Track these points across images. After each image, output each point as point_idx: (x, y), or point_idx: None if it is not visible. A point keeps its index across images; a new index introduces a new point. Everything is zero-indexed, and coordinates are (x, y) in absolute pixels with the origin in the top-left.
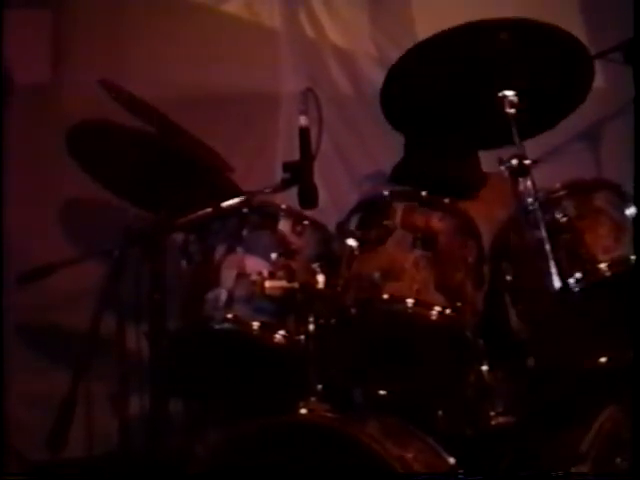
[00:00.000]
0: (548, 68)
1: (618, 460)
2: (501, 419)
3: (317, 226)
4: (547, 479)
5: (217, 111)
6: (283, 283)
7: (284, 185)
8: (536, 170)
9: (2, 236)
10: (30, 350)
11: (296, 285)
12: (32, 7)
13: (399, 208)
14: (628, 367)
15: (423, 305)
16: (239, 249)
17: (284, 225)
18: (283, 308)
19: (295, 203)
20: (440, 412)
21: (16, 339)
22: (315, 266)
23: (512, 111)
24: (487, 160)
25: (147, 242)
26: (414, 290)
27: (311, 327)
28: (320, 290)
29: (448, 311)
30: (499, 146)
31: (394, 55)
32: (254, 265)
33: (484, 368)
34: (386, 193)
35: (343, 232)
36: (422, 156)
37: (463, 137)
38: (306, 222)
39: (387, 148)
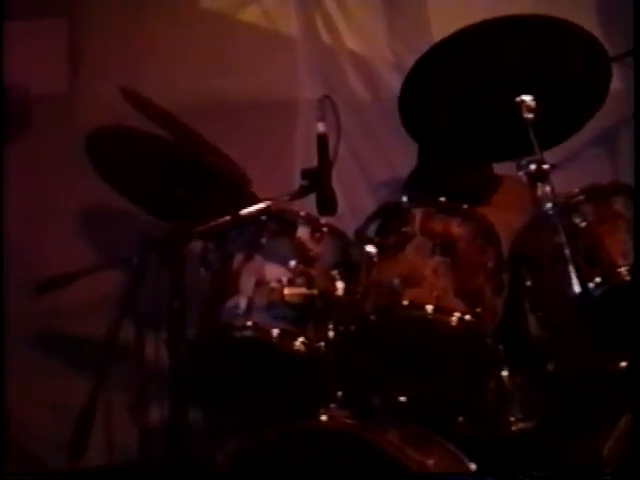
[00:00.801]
0: (566, 70)
1: None
2: (521, 424)
3: (336, 233)
4: None
5: (234, 119)
6: (302, 290)
7: (302, 192)
8: (554, 175)
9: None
10: (50, 358)
11: (315, 292)
12: (47, 17)
13: (418, 214)
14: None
15: (443, 311)
16: (258, 257)
17: (303, 232)
18: (302, 315)
19: (314, 210)
20: (460, 418)
21: (36, 347)
22: (334, 273)
23: (530, 116)
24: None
25: (166, 250)
26: (434, 296)
27: (331, 334)
28: (339, 297)
29: (468, 317)
30: (517, 157)
31: (411, 60)
32: (273, 272)
33: (504, 374)
34: (405, 199)
35: (362, 239)
36: (436, 164)
37: (480, 147)
38: (325, 229)
39: (405, 154)
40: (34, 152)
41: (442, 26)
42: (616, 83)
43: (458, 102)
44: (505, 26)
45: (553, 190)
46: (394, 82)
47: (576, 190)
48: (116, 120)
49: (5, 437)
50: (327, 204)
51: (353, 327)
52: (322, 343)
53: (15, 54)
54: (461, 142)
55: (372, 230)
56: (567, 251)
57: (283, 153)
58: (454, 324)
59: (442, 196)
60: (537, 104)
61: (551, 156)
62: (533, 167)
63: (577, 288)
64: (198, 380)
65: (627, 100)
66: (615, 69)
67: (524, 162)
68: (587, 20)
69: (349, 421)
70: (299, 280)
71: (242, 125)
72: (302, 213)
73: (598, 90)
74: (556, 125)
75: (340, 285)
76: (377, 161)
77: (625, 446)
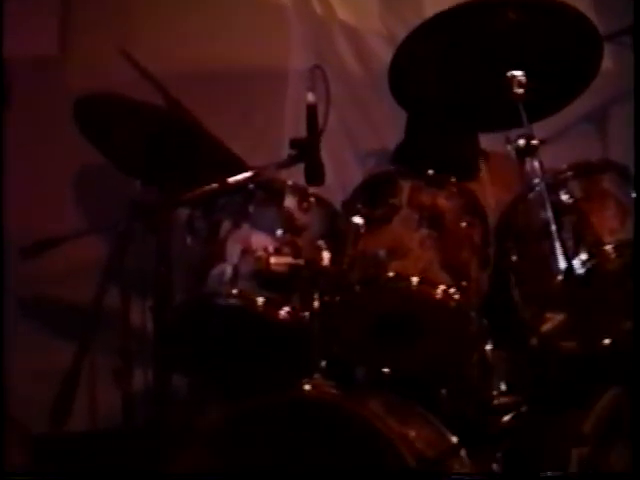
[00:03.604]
0: (558, 47)
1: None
2: (503, 399)
3: (323, 203)
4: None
5: (225, 86)
6: (288, 259)
7: (291, 161)
8: (542, 151)
9: (3, 209)
10: (33, 324)
11: (301, 262)
12: None
13: (406, 187)
14: (631, 349)
15: (428, 283)
16: (245, 225)
17: (290, 201)
18: (288, 284)
19: (302, 180)
20: (443, 391)
21: (19, 313)
22: (321, 243)
23: (520, 91)
24: (487, 138)
25: (153, 216)
26: (419, 268)
27: (316, 304)
28: (325, 267)
29: (453, 290)
30: (506, 128)
31: (403, 33)
32: (260, 241)
33: (488, 348)
34: (392, 171)
35: (349, 209)
36: (423, 137)
37: (469, 118)
38: (312, 199)
39: (394, 126)
40: (23, 115)
41: (435, 4)
42: (607, 62)
43: (448, 75)
44: (498, 4)
45: (541, 165)
46: (385, 54)
47: (564, 166)
48: (106, 83)
49: None
50: (315, 174)
51: (338, 297)
52: (307, 313)
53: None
54: (450, 113)
55: (360, 201)
56: (553, 227)
57: (272, 122)
58: (439, 297)
59: (430, 169)
60: (527, 80)
61: (540, 132)
62: (522, 142)
63: (562, 264)
64: (182, 347)
65: (618, 79)
66: (607, 48)
67: (513, 137)
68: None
69: (332, 391)
70: (285, 249)
71: (232, 93)
72: (290, 182)
73: (588, 68)
74: (544, 99)
75: (326, 255)
76: (366, 132)
77: (605, 422)
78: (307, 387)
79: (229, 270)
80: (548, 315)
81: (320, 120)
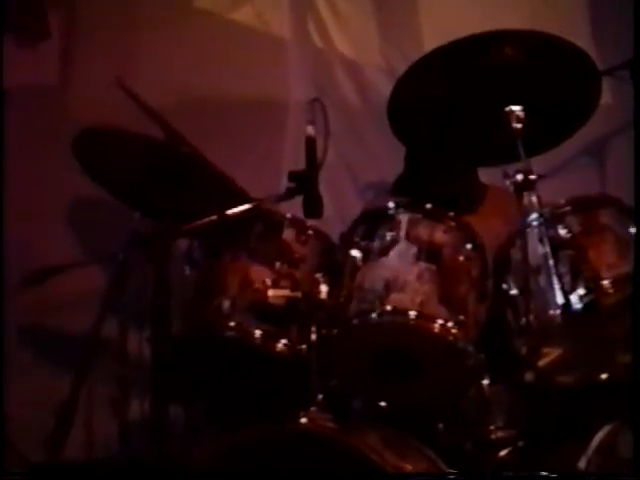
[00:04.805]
0: (556, 83)
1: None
2: (501, 433)
3: (321, 236)
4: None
5: (225, 118)
6: (286, 292)
7: (289, 194)
8: (541, 185)
9: (2, 238)
10: (32, 352)
11: (299, 294)
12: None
13: (403, 220)
14: (628, 383)
15: (426, 317)
16: (243, 257)
17: (288, 234)
18: (286, 317)
19: (300, 212)
20: (440, 425)
21: (19, 341)
22: (318, 276)
23: (519, 126)
24: (486, 172)
25: (152, 247)
26: (417, 302)
27: (313, 337)
28: (323, 300)
29: (451, 324)
30: (503, 163)
31: (402, 66)
32: (258, 273)
33: (485, 382)
34: (391, 205)
35: (347, 242)
36: (422, 170)
37: (467, 152)
38: (310, 232)
39: (393, 159)
40: (23, 143)
41: (434, 33)
42: (606, 96)
43: (447, 109)
44: (497, 39)
45: (539, 200)
46: (384, 87)
47: (562, 201)
48: (106, 114)
49: None
50: (313, 207)
51: (335, 330)
52: (304, 346)
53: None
54: (448, 147)
55: (357, 234)
56: (551, 261)
57: (271, 155)
58: (437, 331)
59: (428, 203)
60: (525, 115)
61: (539, 166)
62: (520, 177)
63: (560, 299)
64: (180, 378)
65: (616, 113)
66: (606, 82)
67: (511, 171)
68: (581, 33)
69: (329, 424)
70: (283, 282)
71: (232, 125)
72: (288, 215)
73: (586, 102)
74: (543, 134)
75: (324, 288)
76: (365, 165)
77: (601, 457)
78: (304, 420)
79: (227, 302)
80: (545, 350)
81: (319, 153)
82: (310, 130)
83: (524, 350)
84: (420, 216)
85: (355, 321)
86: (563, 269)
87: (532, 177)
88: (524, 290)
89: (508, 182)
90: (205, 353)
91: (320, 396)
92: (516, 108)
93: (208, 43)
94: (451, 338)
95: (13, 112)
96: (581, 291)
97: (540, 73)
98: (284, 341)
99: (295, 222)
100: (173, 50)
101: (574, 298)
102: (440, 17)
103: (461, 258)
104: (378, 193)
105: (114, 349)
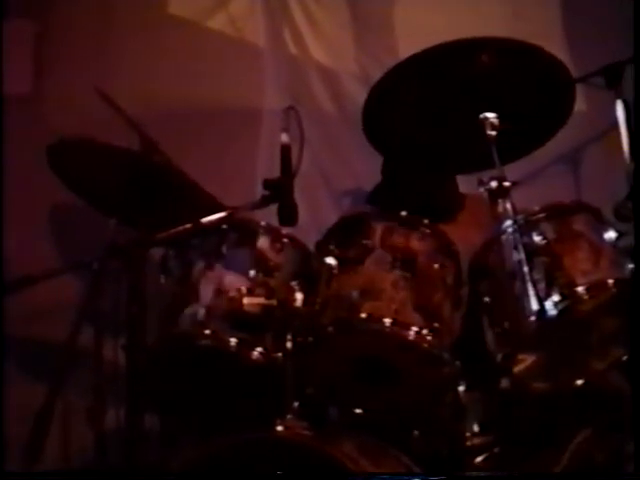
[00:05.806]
0: (530, 90)
1: None
2: (477, 439)
3: (296, 244)
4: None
5: (199, 126)
6: (261, 300)
7: (264, 202)
8: (515, 192)
9: None
10: (7, 362)
11: (274, 302)
12: (14, 17)
13: (379, 228)
14: (603, 390)
15: (401, 325)
16: (218, 265)
17: (263, 242)
18: (261, 325)
19: (275, 220)
20: (416, 432)
21: None
22: (294, 284)
23: (493, 133)
24: (463, 180)
25: (127, 256)
26: (392, 310)
27: (289, 345)
28: (298, 308)
29: (426, 331)
30: (479, 170)
31: (377, 74)
32: (233, 281)
33: (460, 389)
34: (366, 212)
35: (322, 250)
36: (400, 180)
37: (443, 160)
38: (285, 240)
39: (369, 167)
40: None
41: (409, 41)
42: (580, 104)
43: (421, 116)
44: (472, 47)
45: (514, 207)
46: (359, 95)
47: (537, 208)
48: (81, 123)
49: None
50: (288, 215)
51: (311, 338)
52: (280, 354)
53: None
54: (423, 154)
55: (333, 242)
56: (525, 268)
57: (246, 162)
58: (412, 338)
59: (404, 211)
60: (500, 121)
61: (514, 173)
62: (494, 184)
63: (535, 305)
64: (155, 387)
65: (591, 121)
66: (580, 90)
67: (485, 179)
68: (556, 41)
69: (305, 432)
70: (258, 290)
71: (205, 133)
72: (263, 223)
73: (561, 110)
74: (517, 141)
75: (299, 296)
76: (340, 173)
77: (578, 463)
78: (280, 428)
79: (202, 310)
80: (520, 356)
81: (294, 161)
82: (285, 138)
83: (499, 357)
84: (395, 224)
85: (330, 329)
86: (538, 276)
87: (506, 184)
88: (499, 297)
89: (482, 189)
90: (180, 362)
91: (296, 404)
92: (490, 115)
93: (183, 50)
94: (426, 345)
95: None
96: (556, 297)
97: (514, 80)
98: (259, 349)
99: (270, 230)
100: (147, 57)
101: (549, 304)
102: (416, 26)
103: (436, 266)
104: (354, 201)
105: (90, 358)
